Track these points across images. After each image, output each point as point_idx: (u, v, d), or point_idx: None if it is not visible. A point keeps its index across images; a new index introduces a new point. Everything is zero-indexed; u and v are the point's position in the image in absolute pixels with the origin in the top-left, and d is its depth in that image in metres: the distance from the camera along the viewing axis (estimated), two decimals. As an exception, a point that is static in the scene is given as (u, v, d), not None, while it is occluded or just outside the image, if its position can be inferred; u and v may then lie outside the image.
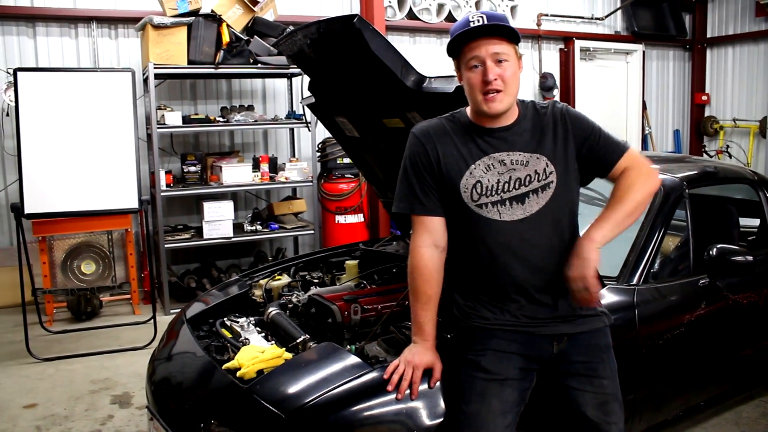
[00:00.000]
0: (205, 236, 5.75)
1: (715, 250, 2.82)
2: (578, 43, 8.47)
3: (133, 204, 4.93)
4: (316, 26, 2.55)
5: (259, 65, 5.78)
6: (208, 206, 5.73)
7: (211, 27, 5.56)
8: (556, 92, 8.30)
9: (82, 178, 4.80)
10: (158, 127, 5.57)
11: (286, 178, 6.07)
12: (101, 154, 4.84)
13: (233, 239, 5.85)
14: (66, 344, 4.88)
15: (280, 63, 5.78)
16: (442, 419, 2.04)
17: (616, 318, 2.36)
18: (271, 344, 2.54)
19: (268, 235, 6.11)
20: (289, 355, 2.36)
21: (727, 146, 9.23)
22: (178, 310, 3.26)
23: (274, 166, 6.16)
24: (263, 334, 2.71)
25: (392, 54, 2.41)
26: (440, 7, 7.46)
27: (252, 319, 2.89)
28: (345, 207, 6.47)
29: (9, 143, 5.66)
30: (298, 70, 5.80)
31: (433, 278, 2.08)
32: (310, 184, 6.17)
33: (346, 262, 3.35)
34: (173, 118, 5.62)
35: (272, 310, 2.81)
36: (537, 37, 8.23)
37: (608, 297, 2.55)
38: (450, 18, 7.49)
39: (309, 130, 6.14)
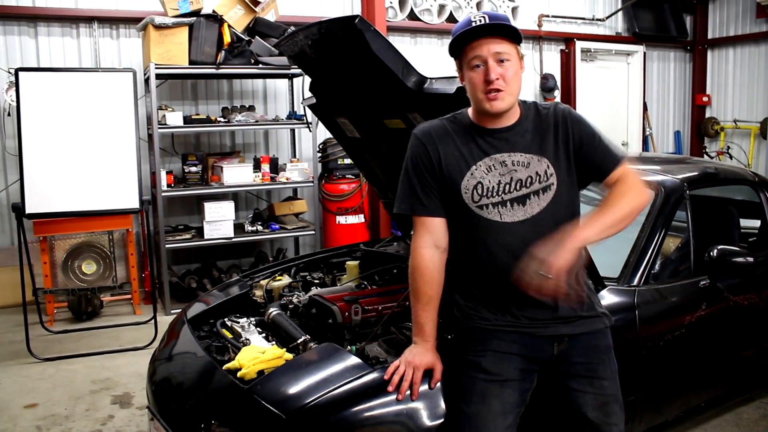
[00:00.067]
0: (205, 236, 5.76)
1: (715, 251, 2.82)
2: (579, 44, 8.47)
3: (134, 204, 4.94)
4: (318, 27, 2.55)
5: (261, 66, 5.79)
6: (208, 206, 5.73)
7: (212, 27, 5.56)
8: (557, 93, 8.30)
9: (83, 178, 4.80)
10: (159, 127, 5.57)
11: (286, 179, 6.07)
12: (102, 154, 4.85)
13: (234, 239, 5.85)
14: (67, 344, 4.88)
15: (281, 63, 5.79)
16: (442, 420, 2.04)
17: (616, 319, 2.36)
18: (272, 345, 2.55)
19: (269, 236, 6.11)
20: (289, 356, 2.36)
21: (728, 147, 9.23)
22: (179, 310, 3.26)
23: (275, 167, 6.16)
24: (264, 335, 2.71)
25: (393, 55, 2.41)
26: (441, 8, 7.46)
27: (253, 319, 2.89)
28: (346, 207, 6.48)
29: (10, 143, 5.66)
30: (299, 71, 5.80)
31: (433, 279, 2.09)
32: (311, 184, 6.17)
33: (347, 262, 3.36)
34: (174, 119, 5.63)
35: (273, 311, 2.82)
36: (538, 38, 8.23)
37: (609, 298, 2.55)
38: (451, 19, 7.49)
39: (310, 131, 6.14)
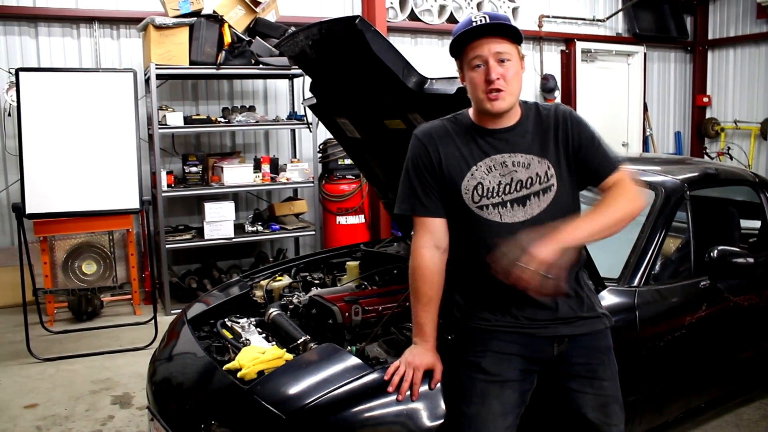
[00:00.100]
0: (206, 237, 5.76)
1: (716, 251, 2.82)
2: (579, 45, 8.47)
3: (135, 204, 4.94)
4: (318, 27, 2.55)
5: (261, 66, 5.79)
6: (209, 207, 5.74)
7: (212, 28, 5.57)
8: (558, 94, 8.29)
9: (84, 179, 4.80)
10: (160, 128, 5.57)
11: (287, 179, 6.07)
12: (103, 155, 4.85)
13: (234, 240, 5.85)
14: (67, 344, 4.88)
15: (282, 64, 5.79)
16: (442, 420, 2.04)
17: (616, 320, 2.36)
18: (272, 345, 2.55)
19: (269, 236, 6.11)
20: (289, 356, 2.36)
21: (728, 148, 9.23)
22: (179, 310, 3.26)
23: (276, 167, 6.17)
24: (264, 335, 2.71)
25: (394, 55, 2.41)
26: (442, 8, 7.46)
27: (253, 319, 2.89)
28: (346, 208, 6.48)
29: (11, 143, 5.66)
30: (299, 71, 5.80)
31: (434, 279, 2.09)
32: (311, 184, 6.17)
33: (347, 263, 3.36)
34: (175, 119, 5.63)
35: (273, 311, 2.81)
36: (538, 38, 8.23)
37: (609, 299, 2.55)
38: (451, 19, 7.49)
39: (310, 131, 6.15)
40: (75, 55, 6.02)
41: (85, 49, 6.05)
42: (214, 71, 5.65)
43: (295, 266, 3.46)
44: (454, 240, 2.11)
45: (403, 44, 7.37)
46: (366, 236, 6.52)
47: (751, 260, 2.82)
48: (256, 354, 2.34)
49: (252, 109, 6.16)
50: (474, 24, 1.95)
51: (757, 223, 3.69)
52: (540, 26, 8.20)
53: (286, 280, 3.25)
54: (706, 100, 9.52)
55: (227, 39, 5.61)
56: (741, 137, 9.20)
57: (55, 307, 5.49)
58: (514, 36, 1.98)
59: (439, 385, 2.08)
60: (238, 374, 2.26)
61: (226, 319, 2.92)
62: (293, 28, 4.96)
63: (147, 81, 5.65)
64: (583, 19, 8.61)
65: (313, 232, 6.22)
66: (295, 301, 2.91)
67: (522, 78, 2.04)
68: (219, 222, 5.75)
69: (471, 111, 2.11)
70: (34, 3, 5.82)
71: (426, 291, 2.09)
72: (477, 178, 2.03)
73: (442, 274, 2.11)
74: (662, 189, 2.97)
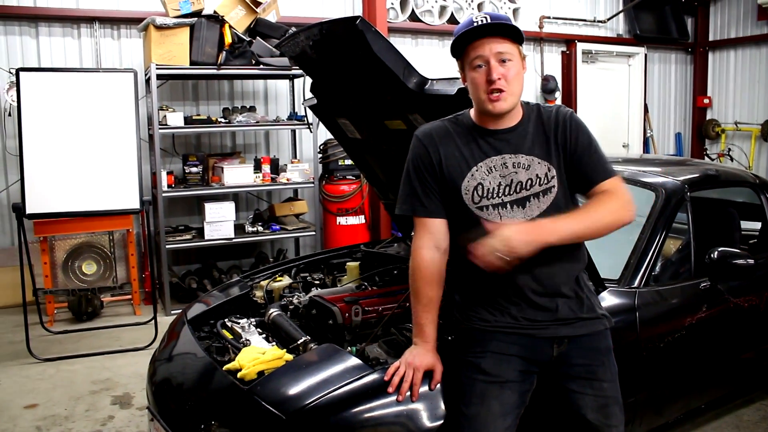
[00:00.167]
0: (206, 237, 5.76)
1: (716, 253, 2.82)
2: (580, 46, 8.48)
3: (135, 204, 4.94)
4: (319, 28, 2.55)
5: (261, 66, 5.79)
6: (209, 207, 5.74)
7: (213, 28, 5.57)
8: (558, 95, 8.29)
9: (84, 179, 4.80)
10: (160, 128, 5.57)
11: (287, 180, 6.07)
12: (103, 155, 4.85)
13: (234, 240, 5.85)
14: (67, 344, 4.88)
15: (282, 64, 5.79)
16: (442, 421, 2.04)
17: (616, 321, 2.36)
18: (272, 345, 2.55)
19: (270, 237, 6.11)
20: (289, 357, 2.36)
21: (729, 149, 9.22)
22: (179, 310, 3.26)
23: (276, 168, 6.17)
24: (264, 336, 2.70)
25: (394, 56, 2.41)
26: (442, 9, 7.46)
27: (253, 320, 2.89)
28: (346, 208, 6.48)
29: (11, 143, 5.66)
30: (300, 72, 5.80)
31: (434, 280, 2.09)
32: (312, 185, 6.17)
33: (347, 263, 3.36)
34: (175, 119, 5.63)
35: (273, 312, 2.81)
36: (539, 39, 8.23)
37: (609, 300, 2.55)
38: (452, 20, 7.49)
39: (311, 132, 6.15)
40: (75, 55, 6.02)
41: (86, 49, 6.05)
42: (214, 71, 5.66)
43: (295, 267, 3.46)
44: (455, 240, 2.11)
45: (403, 45, 7.38)
46: (366, 237, 6.52)
47: (751, 261, 2.82)
48: (256, 354, 2.34)
49: (252, 109, 6.16)
50: (475, 24, 1.95)
51: (758, 225, 3.69)
52: (541, 27, 8.21)
53: (286, 280, 3.25)
54: (706, 101, 9.52)
55: (228, 39, 5.62)
56: (741, 139, 9.20)
57: (55, 307, 5.49)
58: (516, 36, 1.98)
59: (439, 385, 2.08)
60: (238, 375, 2.26)
61: (226, 320, 2.92)
62: (294, 29, 4.97)
63: (147, 81, 5.66)
64: (584, 20, 8.62)
65: (314, 233, 6.21)
66: (295, 301, 2.91)
67: (523, 78, 2.03)
68: (219, 222, 5.75)
69: (472, 111, 2.11)
70: (34, 3, 5.83)
71: (426, 292, 2.09)
72: (477, 179, 2.03)
73: (442, 275, 2.11)
74: (663, 190, 2.97)
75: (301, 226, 6.23)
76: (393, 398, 2.03)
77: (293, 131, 6.67)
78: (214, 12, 5.63)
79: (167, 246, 5.64)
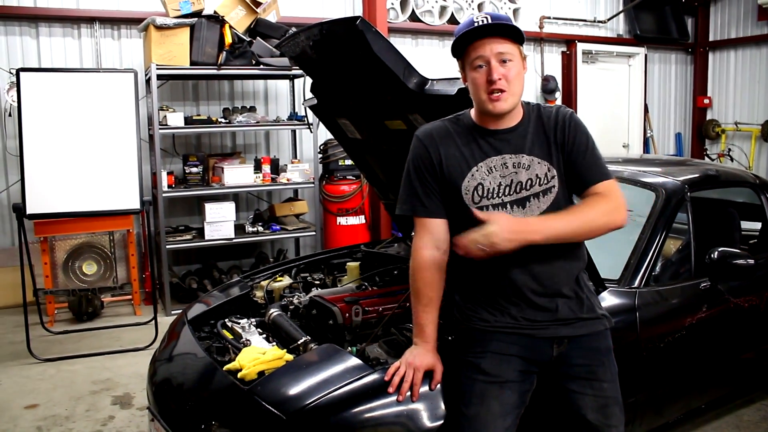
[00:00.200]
0: (206, 237, 5.76)
1: (716, 253, 2.82)
2: (580, 46, 8.47)
3: (135, 205, 4.94)
4: (319, 28, 2.55)
5: (262, 66, 5.79)
6: (209, 207, 5.74)
7: (213, 28, 5.57)
8: (558, 95, 8.29)
9: (84, 179, 4.80)
10: (160, 128, 5.58)
11: (287, 180, 6.08)
12: (103, 155, 4.85)
13: (234, 240, 5.86)
14: (67, 345, 4.88)
15: (283, 64, 5.79)
16: (442, 421, 2.04)
17: (617, 321, 2.36)
18: (272, 346, 2.55)
19: (270, 237, 6.11)
20: (290, 357, 2.36)
21: (729, 150, 9.22)
22: (180, 311, 3.26)
23: (276, 168, 6.17)
24: (264, 336, 2.71)
25: (394, 56, 2.41)
26: (443, 9, 7.46)
27: (253, 320, 2.89)
28: (346, 208, 6.48)
29: (11, 143, 5.66)
30: (300, 72, 5.80)
31: (434, 280, 2.09)
32: (312, 185, 6.18)
33: (348, 263, 3.36)
34: (175, 119, 5.63)
35: (273, 312, 2.81)
36: (539, 39, 8.23)
37: (609, 300, 2.55)
38: (452, 20, 7.49)
39: (311, 132, 6.15)
40: (76, 56, 6.02)
41: (86, 49, 6.05)
42: (214, 72, 5.66)
43: (295, 267, 3.46)
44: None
45: (403, 45, 7.38)
46: (366, 237, 6.52)
47: (751, 262, 2.82)
48: (257, 354, 2.34)
49: (252, 109, 6.17)
50: (476, 24, 1.95)
51: (758, 225, 3.69)
52: (541, 27, 8.21)
53: (286, 280, 3.25)
54: (706, 101, 9.52)
55: (228, 39, 5.62)
56: (741, 139, 9.20)
57: (55, 307, 5.50)
58: (516, 36, 1.98)
59: (439, 386, 2.08)
60: (239, 375, 2.26)
61: (226, 320, 2.92)
62: (294, 29, 4.97)
63: (148, 81, 5.66)
64: (584, 21, 8.61)
65: (314, 233, 6.22)
66: (295, 301, 2.91)
67: (524, 78, 2.03)
68: (219, 222, 5.75)
69: (473, 111, 2.11)
70: (35, 3, 5.83)
71: (426, 292, 2.09)
72: (477, 179, 2.03)
73: (442, 275, 2.11)
74: (663, 190, 2.97)
75: (302, 227, 6.23)
76: (393, 398, 2.03)
77: (293, 131, 6.67)
78: (215, 12, 5.63)
79: (167, 246, 5.64)
